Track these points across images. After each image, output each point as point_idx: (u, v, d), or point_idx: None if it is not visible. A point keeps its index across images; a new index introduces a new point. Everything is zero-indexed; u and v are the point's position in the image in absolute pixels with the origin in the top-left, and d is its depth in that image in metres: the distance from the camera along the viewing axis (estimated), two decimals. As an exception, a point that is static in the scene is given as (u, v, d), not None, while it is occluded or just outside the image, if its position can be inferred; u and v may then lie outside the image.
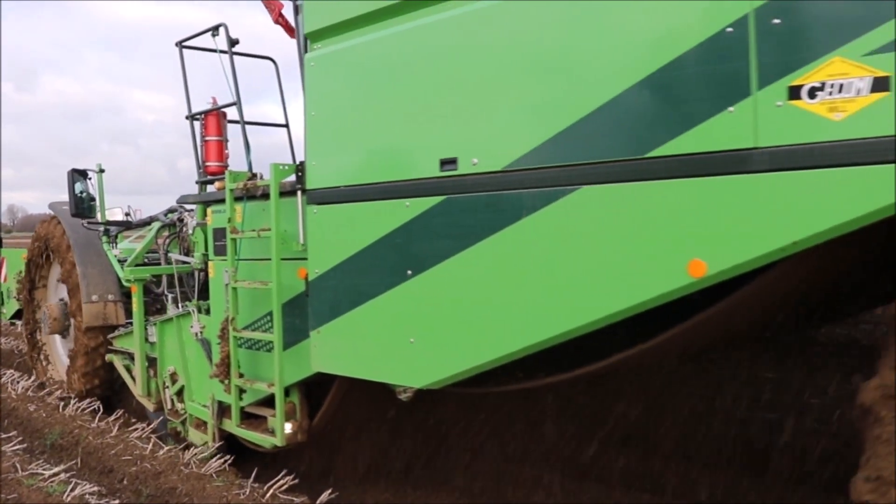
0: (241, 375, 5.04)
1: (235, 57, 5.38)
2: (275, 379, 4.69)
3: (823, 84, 2.48)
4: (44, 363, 8.39)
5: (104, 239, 7.16)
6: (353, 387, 4.76)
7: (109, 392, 7.38)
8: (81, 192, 7.20)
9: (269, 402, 4.97)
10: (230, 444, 5.55)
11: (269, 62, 6.41)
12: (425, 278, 3.79)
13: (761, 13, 2.61)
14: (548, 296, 3.25)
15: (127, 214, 8.24)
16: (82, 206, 7.15)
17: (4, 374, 8.70)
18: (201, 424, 5.82)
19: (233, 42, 5.35)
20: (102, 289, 7.11)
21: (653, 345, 3.21)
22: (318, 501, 4.40)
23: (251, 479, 4.74)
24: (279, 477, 4.71)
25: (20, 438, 6.30)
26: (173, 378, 6.18)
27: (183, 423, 6.09)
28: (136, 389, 6.65)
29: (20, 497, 4.80)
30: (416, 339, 3.85)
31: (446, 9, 3.66)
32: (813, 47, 2.50)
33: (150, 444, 5.64)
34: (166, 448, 5.47)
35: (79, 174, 7.18)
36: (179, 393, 6.14)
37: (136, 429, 6.16)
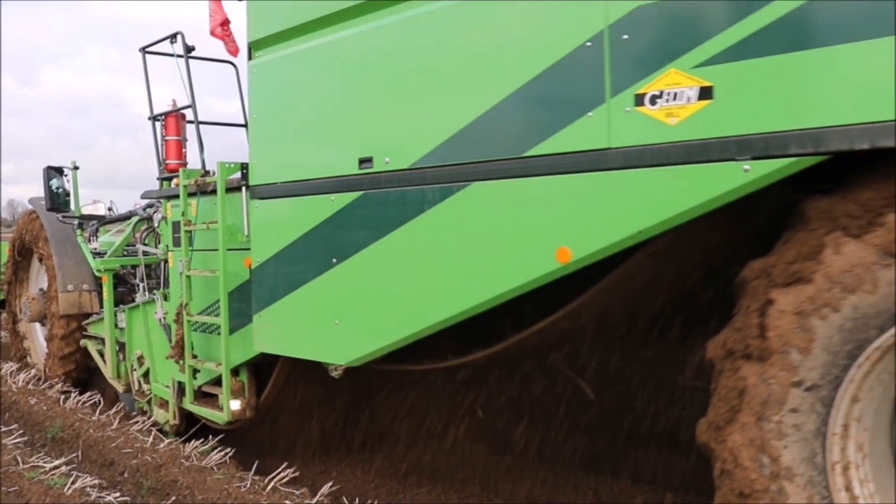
0: (194, 356, 5.30)
1: (201, 61, 5.65)
2: (222, 359, 4.94)
3: (662, 92, 2.74)
4: (25, 350, 8.62)
5: (78, 232, 7.38)
6: (296, 366, 5.00)
7: (85, 375, 7.61)
8: (57, 188, 7.43)
9: (221, 381, 5.22)
10: (192, 422, 5.81)
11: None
12: (347, 266, 4.04)
13: (614, 29, 2.87)
14: (446, 280, 3.51)
15: (109, 209, 8.49)
16: (58, 201, 7.38)
17: (3, 366, 8.64)
18: (164, 403, 6.06)
19: (188, 49, 5.58)
20: (77, 279, 7.33)
21: (535, 330, 3.46)
22: (319, 493, 4.32)
23: (252, 472, 4.68)
24: (280, 470, 4.66)
25: (21, 431, 6.21)
26: (140, 361, 6.43)
27: (149, 402, 6.33)
28: (107, 372, 6.89)
29: (21, 490, 4.69)
30: (340, 321, 4.11)
31: (360, 24, 3.92)
32: (654, 60, 2.76)
33: (151, 437, 5.53)
34: (167, 441, 5.42)
35: (54, 171, 7.42)
36: (146, 375, 6.38)
37: (137, 422, 6.05)
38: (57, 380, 7.50)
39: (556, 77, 3.06)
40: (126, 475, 5.00)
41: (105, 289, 6.78)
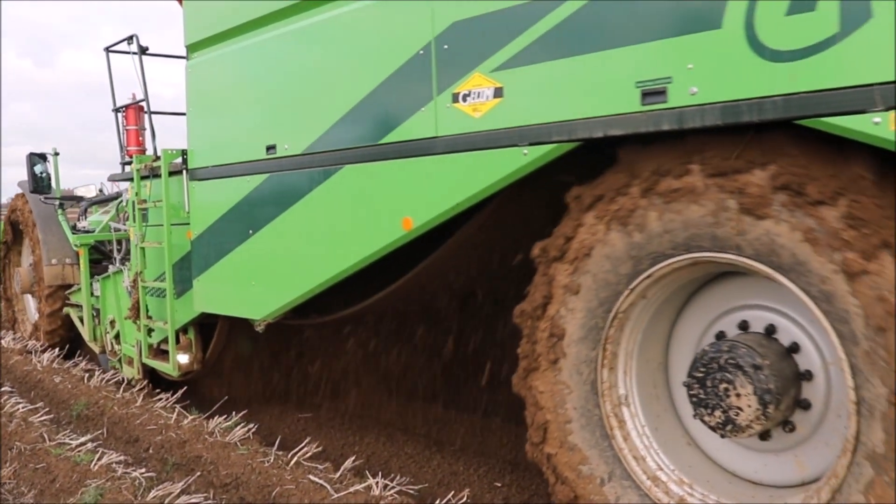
0: (149, 317, 5.91)
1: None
2: (168, 319, 5.56)
3: (470, 92, 3.31)
4: (15, 318, 9.28)
5: (59, 211, 7.98)
6: (234, 325, 5.60)
7: (69, 339, 8.25)
8: (41, 173, 8.02)
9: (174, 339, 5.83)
10: (155, 377, 6.42)
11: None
12: (259, 236, 4.64)
13: (438, 40, 3.43)
14: (328, 247, 4.10)
15: (100, 191, 9.10)
16: (41, 184, 7.97)
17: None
18: (131, 361, 6.68)
19: (142, 49, 6.13)
20: (60, 253, 7.95)
21: (393, 289, 4.04)
22: (342, 467, 4.19)
23: (275, 447, 4.62)
24: (303, 445, 4.56)
25: (47, 409, 6.09)
26: (112, 324, 7.05)
27: (119, 361, 6.96)
28: (86, 335, 7.52)
29: (48, 466, 4.62)
30: (255, 283, 4.71)
31: (262, 33, 4.51)
32: (465, 65, 3.32)
33: (175, 414, 5.38)
34: (190, 418, 5.31)
35: (38, 157, 8.00)
36: (117, 337, 7.00)
37: (161, 399, 5.95)
38: (45, 342, 8.13)
39: (400, 79, 3.63)
40: (151, 451, 4.93)
41: (82, 262, 7.39)
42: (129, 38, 6.23)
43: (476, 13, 3.26)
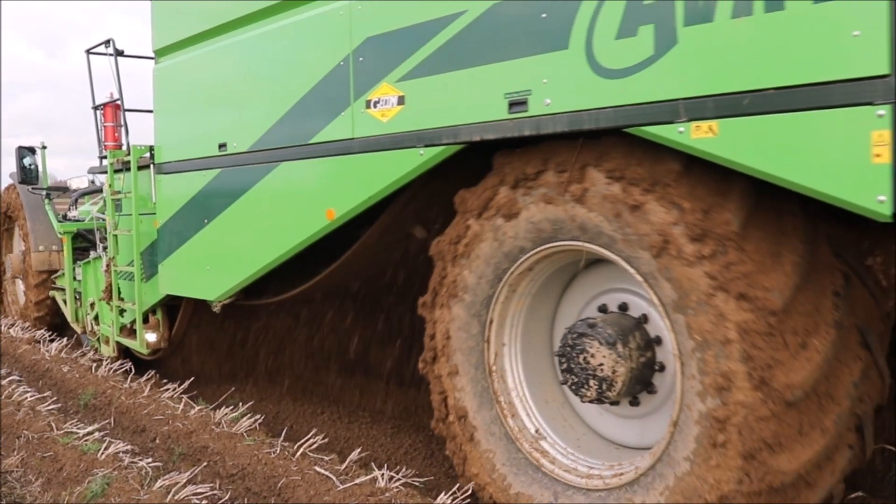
0: (121, 299, 6.31)
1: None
2: (136, 301, 5.96)
3: (379, 99, 3.70)
4: (9, 301, 9.69)
5: (46, 201, 8.38)
6: (197, 306, 5.99)
7: (56, 320, 8.65)
8: (30, 165, 8.41)
9: (144, 319, 6.23)
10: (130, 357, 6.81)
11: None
12: (213, 225, 5.03)
13: (355, 53, 3.82)
14: (267, 236, 4.50)
15: (91, 182, 9.48)
16: (30, 176, 8.36)
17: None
18: (108, 340, 7.08)
19: (118, 52, 6.52)
20: (47, 241, 8.35)
21: (326, 274, 4.42)
22: (348, 459, 4.16)
23: (281, 439, 4.51)
24: (309, 436, 4.50)
25: (55, 398, 6.04)
26: (92, 307, 7.44)
27: (98, 340, 7.36)
28: (69, 317, 7.92)
29: (56, 455, 4.59)
30: (210, 267, 5.11)
31: (213, 42, 4.90)
32: (376, 76, 3.71)
33: (182, 404, 5.35)
34: (197, 408, 5.29)
35: (27, 150, 8.40)
36: (96, 318, 7.39)
37: (168, 389, 5.89)
38: (33, 323, 8.54)
39: (325, 86, 4.02)
40: (158, 441, 4.89)
41: (65, 248, 7.78)
42: (106, 42, 6.61)
43: (385, 30, 3.64)
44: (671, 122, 2.61)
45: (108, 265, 6.38)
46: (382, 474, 3.80)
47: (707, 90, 2.52)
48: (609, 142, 2.89)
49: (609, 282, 3.39)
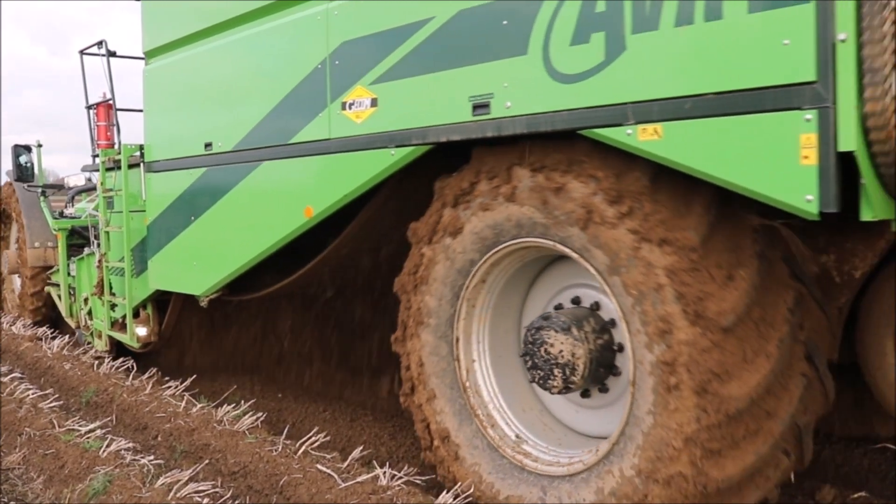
0: (112, 294, 6.45)
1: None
2: (126, 296, 6.10)
3: (354, 101, 3.83)
4: (4, 297, 9.83)
5: (41, 199, 8.51)
6: (186, 301, 6.12)
7: (51, 315, 8.79)
8: (26, 163, 8.54)
9: (134, 313, 6.36)
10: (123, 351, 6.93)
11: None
12: (199, 222, 5.16)
13: (332, 56, 3.95)
14: (249, 233, 4.63)
15: (88, 179, 9.62)
16: (26, 174, 8.50)
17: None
18: (100, 335, 7.21)
19: (110, 53, 6.65)
20: (43, 237, 8.48)
21: (306, 270, 4.54)
22: (350, 457, 4.14)
23: (283, 436, 4.48)
24: (311, 434, 4.46)
25: (56, 396, 5.99)
26: (86, 302, 7.57)
27: (91, 335, 7.49)
28: (63, 312, 8.05)
29: (58, 452, 4.56)
30: (196, 262, 5.24)
31: (198, 46, 5.03)
32: (351, 79, 3.84)
33: (184, 402, 5.30)
34: (199, 406, 5.26)
35: (23, 148, 8.54)
36: (90, 313, 7.53)
37: (170, 387, 5.84)
38: (29, 319, 8.67)
39: (304, 88, 4.15)
40: (159, 439, 4.88)
41: (60, 245, 7.92)
42: (99, 44, 6.73)
43: (359, 34, 3.78)
44: (620, 125, 2.74)
45: (99, 261, 6.51)
46: (384, 472, 3.78)
47: (653, 94, 2.66)
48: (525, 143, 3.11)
49: (563, 280, 3.54)
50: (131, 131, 7.21)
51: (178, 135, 5.47)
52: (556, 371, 3.18)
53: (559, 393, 3.29)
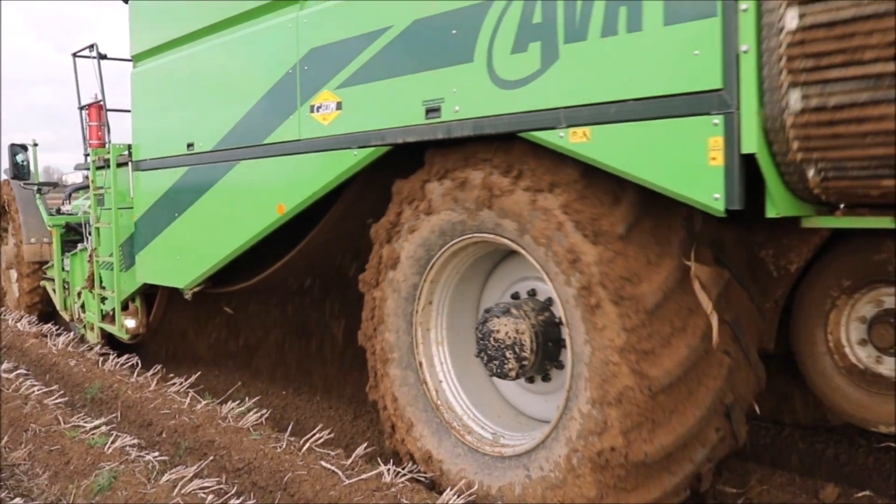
0: (102, 287, 6.67)
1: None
2: (115, 289, 6.31)
3: (321, 104, 4.03)
4: (3, 292, 10.05)
5: (37, 196, 8.73)
6: (173, 294, 6.33)
7: (47, 309, 9.01)
8: (22, 161, 8.76)
9: (124, 306, 6.58)
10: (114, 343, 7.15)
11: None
12: (182, 218, 5.38)
13: (301, 62, 4.15)
14: (227, 228, 4.84)
15: (85, 177, 9.82)
16: (22, 172, 8.71)
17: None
18: (93, 327, 7.43)
19: (101, 56, 6.86)
20: (39, 233, 8.70)
21: (281, 265, 4.74)
22: (354, 454, 4.10)
23: (287, 433, 4.46)
24: (315, 431, 4.41)
25: (62, 392, 5.99)
26: (79, 295, 7.78)
27: (84, 327, 7.70)
28: (58, 306, 8.27)
29: (63, 448, 4.57)
30: (179, 257, 5.45)
31: (183, 50, 5.24)
32: (318, 83, 4.04)
33: (188, 399, 5.27)
34: (203, 402, 5.23)
35: (19, 147, 8.75)
36: (83, 306, 7.74)
37: (174, 383, 5.83)
38: (26, 312, 8.90)
39: (276, 91, 4.36)
40: (164, 435, 4.86)
41: (55, 240, 8.13)
42: (90, 47, 6.94)
43: (326, 41, 3.98)
44: (554, 128, 2.95)
45: (90, 256, 6.72)
46: (388, 469, 3.74)
47: (582, 100, 2.86)
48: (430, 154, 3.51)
49: (506, 282, 3.77)
50: (125, 131, 7.45)
51: (163, 135, 5.68)
52: (507, 354, 3.34)
53: (518, 376, 3.40)
